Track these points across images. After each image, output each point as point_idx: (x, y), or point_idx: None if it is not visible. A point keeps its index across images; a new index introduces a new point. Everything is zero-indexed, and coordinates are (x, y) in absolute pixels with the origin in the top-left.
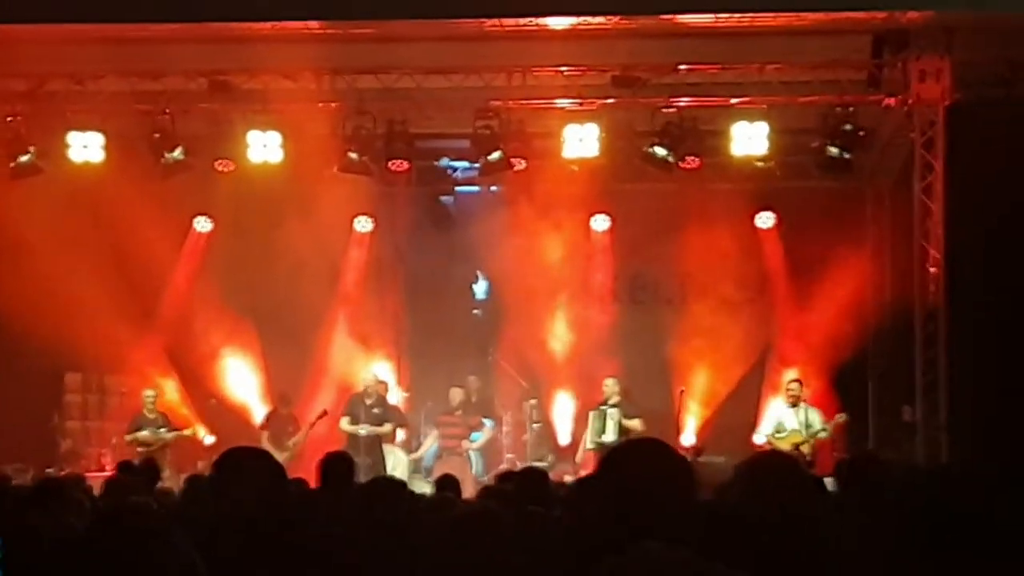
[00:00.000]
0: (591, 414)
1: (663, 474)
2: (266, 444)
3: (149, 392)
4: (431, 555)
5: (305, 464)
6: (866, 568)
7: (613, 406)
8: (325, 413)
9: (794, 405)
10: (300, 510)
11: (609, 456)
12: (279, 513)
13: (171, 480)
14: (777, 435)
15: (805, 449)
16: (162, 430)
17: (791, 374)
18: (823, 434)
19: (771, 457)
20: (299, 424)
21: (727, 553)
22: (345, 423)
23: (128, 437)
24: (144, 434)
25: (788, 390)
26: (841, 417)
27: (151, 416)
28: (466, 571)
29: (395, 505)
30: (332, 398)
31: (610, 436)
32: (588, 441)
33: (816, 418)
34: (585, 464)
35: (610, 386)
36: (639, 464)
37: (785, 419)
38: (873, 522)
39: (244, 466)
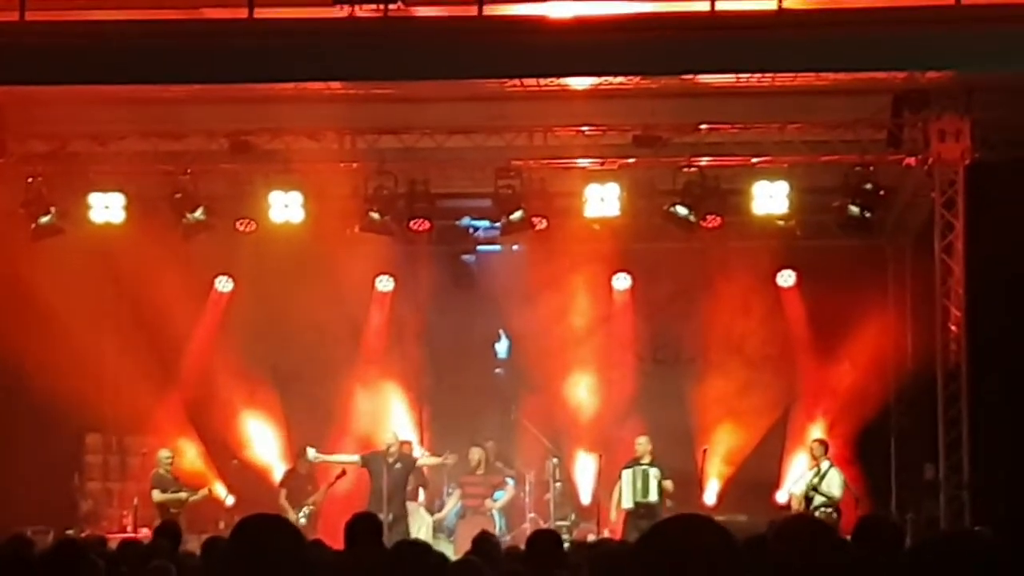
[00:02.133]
0: (626, 472)
1: (711, 550)
2: (283, 502)
3: (165, 452)
4: None
5: (324, 523)
6: None
7: (651, 464)
8: (344, 473)
9: (814, 466)
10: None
11: (659, 529)
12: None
13: (191, 542)
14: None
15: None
16: (182, 492)
17: (815, 432)
18: (836, 493)
19: (801, 522)
20: (318, 483)
21: None
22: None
23: (159, 497)
24: (180, 495)
25: (811, 451)
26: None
27: (168, 477)
28: None
29: (421, 570)
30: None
31: (653, 496)
32: (626, 500)
33: (835, 479)
34: (617, 524)
35: (644, 444)
36: (688, 538)
37: (806, 478)
38: None
39: (260, 535)
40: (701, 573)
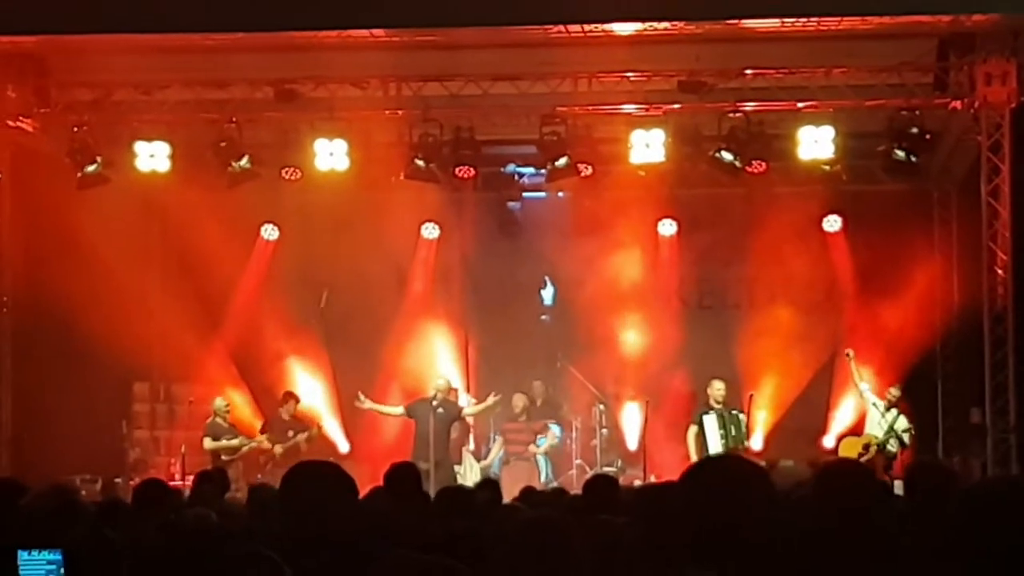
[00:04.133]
0: (708, 418)
1: (745, 487)
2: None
3: (220, 401)
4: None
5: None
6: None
7: (734, 410)
8: (320, 427)
9: (888, 409)
10: (372, 521)
11: (696, 470)
12: (351, 526)
13: (242, 491)
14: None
15: (872, 451)
16: (237, 439)
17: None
18: (906, 437)
19: (843, 466)
20: (303, 426)
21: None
22: (397, 410)
23: (211, 445)
24: (232, 442)
25: (887, 395)
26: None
27: (224, 425)
28: None
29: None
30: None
31: (746, 441)
32: (714, 445)
33: (902, 422)
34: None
35: (722, 389)
36: (725, 476)
37: (874, 418)
38: (936, 534)
39: (314, 480)
40: (741, 512)
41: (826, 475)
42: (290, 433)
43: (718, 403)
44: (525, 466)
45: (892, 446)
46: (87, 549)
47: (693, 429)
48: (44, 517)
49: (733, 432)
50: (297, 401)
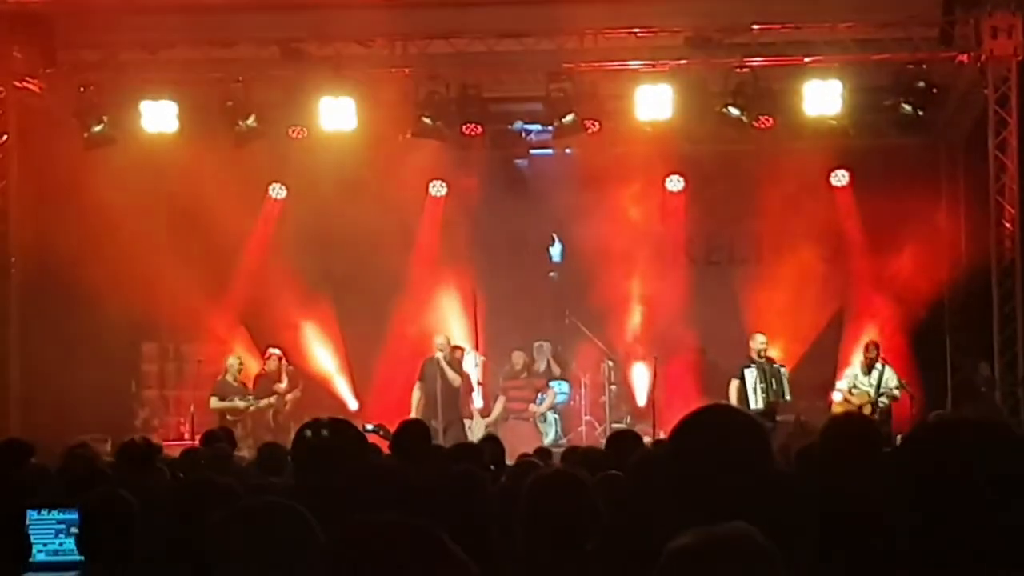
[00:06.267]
0: (748, 372)
1: (738, 438)
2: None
3: (233, 360)
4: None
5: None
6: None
7: (775, 363)
8: (299, 385)
9: (869, 370)
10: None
11: (688, 421)
12: (365, 483)
13: (250, 450)
14: (853, 391)
15: (868, 410)
16: (244, 400)
17: (868, 335)
18: (897, 392)
19: (844, 421)
20: (289, 383)
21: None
22: (416, 388)
23: (217, 404)
24: (238, 403)
25: (865, 352)
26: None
27: (235, 384)
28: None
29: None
30: (407, 363)
31: (788, 395)
32: (754, 400)
33: (891, 378)
34: None
35: (763, 342)
36: (715, 428)
37: (860, 381)
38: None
39: (325, 439)
40: (736, 464)
41: (833, 426)
42: (278, 387)
43: (760, 356)
44: (522, 425)
45: (883, 403)
46: (104, 509)
47: (735, 382)
48: (60, 477)
49: (774, 386)
50: (280, 358)
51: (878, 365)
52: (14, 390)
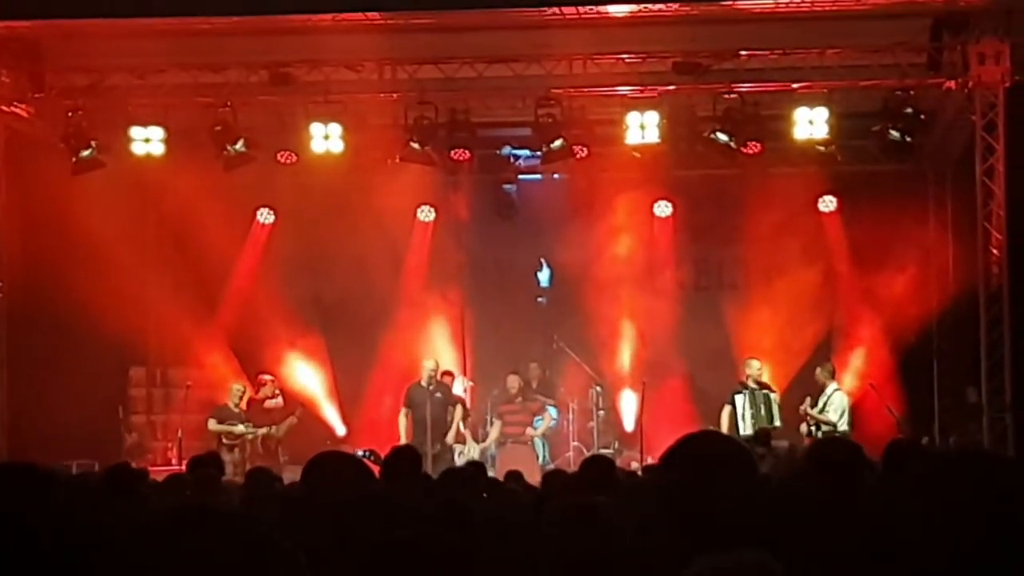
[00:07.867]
0: (739, 397)
1: (726, 462)
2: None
3: (238, 387)
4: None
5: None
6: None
7: (766, 388)
8: (301, 407)
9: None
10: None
11: (677, 449)
12: (370, 513)
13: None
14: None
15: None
16: (242, 426)
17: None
18: (836, 421)
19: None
20: (277, 413)
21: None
22: (403, 415)
23: (215, 427)
24: (236, 428)
25: (816, 373)
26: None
27: (234, 411)
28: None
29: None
30: (396, 388)
31: (777, 421)
32: (747, 423)
33: (834, 407)
34: None
35: (757, 367)
36: (705, 453)
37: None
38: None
39: (334, 469)
40: (722, 489)
41: (818, 452)
42: (270, 404)
43: (753, 382)
44: (520, 448)
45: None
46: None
47: (727, 408)
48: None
49: (763, 412)
50: (274, 383)
51: (829, 388)
52: (2, 415)
